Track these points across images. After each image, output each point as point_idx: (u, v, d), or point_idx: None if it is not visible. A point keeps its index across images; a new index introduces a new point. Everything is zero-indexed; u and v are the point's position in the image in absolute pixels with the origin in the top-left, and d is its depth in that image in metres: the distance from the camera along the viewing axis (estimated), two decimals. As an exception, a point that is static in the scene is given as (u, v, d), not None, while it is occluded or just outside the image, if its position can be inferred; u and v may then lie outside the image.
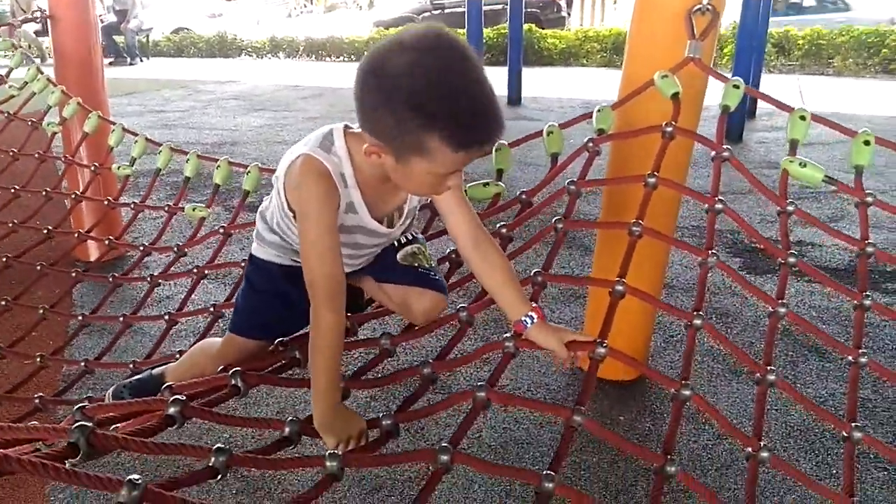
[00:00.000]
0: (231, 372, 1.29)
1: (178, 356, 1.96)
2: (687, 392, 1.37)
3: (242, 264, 2.19)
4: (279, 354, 1.48)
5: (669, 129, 1.72)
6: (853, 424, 1.45)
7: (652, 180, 1.65)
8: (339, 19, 21.57)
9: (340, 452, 1.14)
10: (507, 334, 1.41)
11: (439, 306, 1.50)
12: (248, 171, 2.36)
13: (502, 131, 1.16)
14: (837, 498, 1.39)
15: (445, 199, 1.36)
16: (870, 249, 1.69)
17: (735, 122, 6.20)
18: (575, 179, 1.73)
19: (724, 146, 1.73)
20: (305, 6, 25.33)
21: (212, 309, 2.04)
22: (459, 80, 1.09)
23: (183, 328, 2.82)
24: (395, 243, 1.50)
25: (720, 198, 1.67)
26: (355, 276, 1.53)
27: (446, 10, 15.40)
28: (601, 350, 1.36)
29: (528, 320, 1.38)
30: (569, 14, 16.30)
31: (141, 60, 13.82)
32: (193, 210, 2.43)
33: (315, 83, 10.59)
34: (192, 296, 2.30)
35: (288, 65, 13.68)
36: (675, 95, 1.78)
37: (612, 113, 1.84)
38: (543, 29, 13.45)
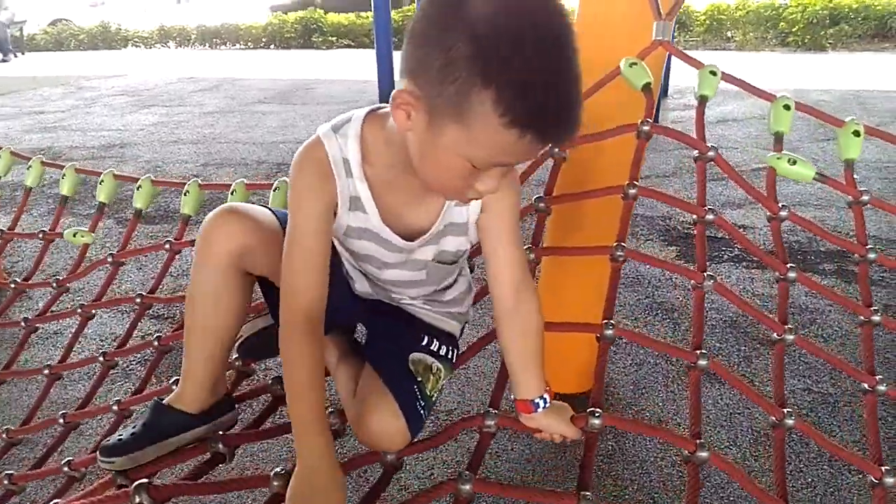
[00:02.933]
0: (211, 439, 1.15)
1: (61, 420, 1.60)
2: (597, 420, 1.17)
3: (138, 300, 1.84)
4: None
5: (646, 127, 1.48)
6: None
7: (632, 191, 1.42)
8: (232, 5, 20.67)
9: None
10: (489, 410, 1.15)
11: (397, 440, 1.11)
12: (139, 186, 1.99)
13: (575, 130, 0.89)
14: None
15: (493, 231, 1.09)
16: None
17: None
18: (542, 195, 1.47)
19: (710, 145, 1.50)
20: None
21: (156, 343, 1.67)
22: (548, 45, 0.83)
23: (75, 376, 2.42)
24: (423, 339, 1.20)
25: (711, 207, 1.45)
26: (354, 311, 1.24)
27: (347, -7, 14.99)
28: (595, 421, 1.13)
29: (542, 403, 1.16)
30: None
31: (15, 56, 12.97)
32: (74, 236, 2.04)
33: (211, 74, 9.99)
34: (80, 338, 1.92)
35: (180, 55, 12.91)
36: (647, 86, 1.55)
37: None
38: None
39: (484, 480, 1.08)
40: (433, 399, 1.16)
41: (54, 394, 1.96)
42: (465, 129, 0.85)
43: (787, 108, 1.62)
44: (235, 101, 7.86)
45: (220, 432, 1.17)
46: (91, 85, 9.49)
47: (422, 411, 1.12)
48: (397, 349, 1.18)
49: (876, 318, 1.45)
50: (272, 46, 13.08)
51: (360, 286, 1.22)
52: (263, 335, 1.35)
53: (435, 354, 1.19)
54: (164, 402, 1.16)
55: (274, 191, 1.74)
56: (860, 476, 2.04)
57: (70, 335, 2.00)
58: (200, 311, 1.13)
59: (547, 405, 1.16)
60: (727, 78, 1.65)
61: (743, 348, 2.77)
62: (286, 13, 13.75)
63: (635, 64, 1.57)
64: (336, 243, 1.14)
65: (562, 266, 1.92)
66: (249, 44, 13.24)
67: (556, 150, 1.52)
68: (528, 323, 1.13)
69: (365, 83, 8.11)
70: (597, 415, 1.14)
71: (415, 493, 1.07)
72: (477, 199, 1.00)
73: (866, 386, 1.39)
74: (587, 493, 1.03)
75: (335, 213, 1.06)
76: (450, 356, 1.23)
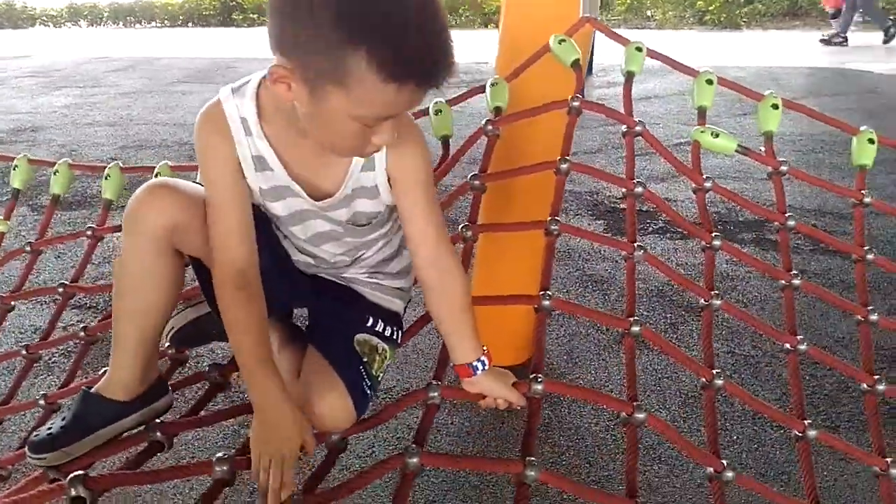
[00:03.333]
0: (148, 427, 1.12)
1: None
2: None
3: (60, 290, 1.77)
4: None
5: (576, 103, 1.50)
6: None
7: (564, 166, 1.44)
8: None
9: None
10: (432, 382, 1.16)
11: (343, 420, 1.11)
12: (56, 170, 1.90)
13: (452, 71, 0.90)
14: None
15: (406, 197, 1.09)
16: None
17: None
18: (477, 173, 1.47)
19: (637, 120, 1.54)
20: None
21: (82, 334, 1.59)
22: None
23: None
24: (368, 321, 1.18)
25: (639, 180, 1.48)
26: (296, 294, 1.22)
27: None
28: (537, 387, 1.15)
29: (480, 365, 1.16)
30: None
31: None
32: (-12, 224, 1.94)
33: (126, 54, 9.58)
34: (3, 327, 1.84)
35: (92, 34, 12.31)
36: (576, 63, 1.57)
37: (507, 86, 1.60)
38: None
39: (431, 453, 1.09)
40: (378, 379, 1.17)
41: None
42: (346, 91, 0.87)
43: (709, 82, 1.68)
44: (153, 82, 7.57)
45: (158, 420, 1.14)
46: (-4, 66, 8.98)
47: (368, 391, 1.13)
48: (342, 330, 1.17)
49: (796, 281, 1.53)
50: (190, 24, 12.62)
51: (298, 258, 1.20)
52: (197, 323, 1.31)
53: (380, 335, 1.19)
54: (92, 390, 1.11)
55: (155, 175, 1.70)
56: (782, 432, 2.16)
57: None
58: (130, 291, 1.09)
59: (486, 367, 1.17)
60: (652, 54, 1.69)
61: (669, 315, 2.87)
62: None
63: (564, 41, 1.59)
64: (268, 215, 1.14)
65: (497, 242, 1.95)
66: (166, 22, 12.73)
67: (490, 127, 1.53)
68: (451, 289, 1.14)
69: (289, 62, 7.93)
70: (539, 380, 1.17)
71: (358, 472, 1.07)
72: (376, 151, 1.01)
73: (788, 346, 1.46)
74: (532, 459, 1.05)
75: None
76: (394, 337, 1.23)
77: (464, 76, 7.23)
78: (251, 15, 12.35)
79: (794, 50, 8.66)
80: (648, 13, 11.22)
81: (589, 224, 3.80)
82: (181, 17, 12.73)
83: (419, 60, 0.86)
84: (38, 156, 4.93)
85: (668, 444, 2.11)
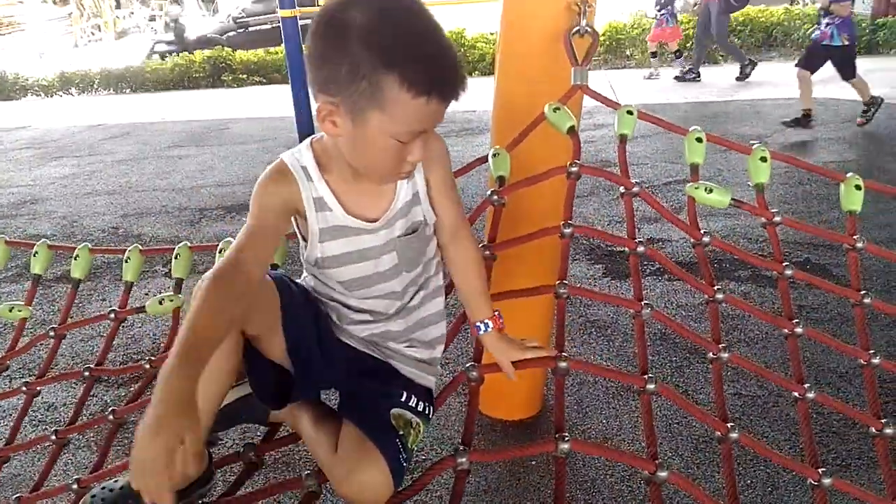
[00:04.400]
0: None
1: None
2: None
3: (86, 374, 1.81)
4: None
5: (574, 168, 1.58)
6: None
7: (568, 230, 1.51)
8: (132, 46, 20.17)
9: None
10: (460, 448, 1.22)
11: (382, 494, 1.14)
12: (77, 256, 1.96)
13: (465, 84, 1.07)
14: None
15: (432, 174, 1.26)
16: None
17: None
18: (486, 243, 1.55)
19: (634, 181, 1.62)
20: (93, 34, 23.44)
21: (111, 417, 1.64)
22: (423, 26, 1.04)
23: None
24: (403, 395, 1.25)
25: (640, 240, 1.55)
26: (331, 375, 1.27)
27: (250, 28, 14.84)
28: (564, 446, 1.20)
29: (483, 326, 1.37)
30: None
31: None
32: (10, 311, 1.99)
33: (119, 120, 9.70)
34: (26, 417, 1.87)
35: (84, 102, 12.45)
36: (572, 129, 1.65)
37: (508, 156, 1.67)
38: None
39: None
40: (413, 452, 1.22)
41: (2, 476, 1.89)
42: (383, 112, 1.03)
43: (699, 140, 1.76)
44: (149, 147, 7.67)
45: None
46: (-9, 139, 9.08)
47: (404, 464, 1.17)
48: (379, 404, 1.22)
49: (799, 329, 1.59)
50: (180, 88, 12.81)
51: (351, 325, 1.28)
52: (224, 409, 1.35)
53: (413, 410, 1.25)
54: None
55: (219, 252, 1.76)
56: (794, 474, 2.19)
57: (14, 414, 1.94)
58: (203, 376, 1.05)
59: (489, 330, 1.36)
60: (643, 116, 1.77)
61: (674, 359, 2.92)
62: (192, 52, 13.53)
63: (559, 109, 1.68)
64: (324, 296, 1.27)
65: (508, 305, 2.01)
66: (158, 86, 12.91)
67: (495, 197, 1.60)
68: (465, 256, 1.33)
69: (281, 119, 8.04)
70: (566, 439, 1.21)
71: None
72: (411, 170, 1.17)
73: (797, 394, 1.51)
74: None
75: (307, 242, 1.21)
76: (427, 412, 1.28)
77: (451, 125, 7.37)
78: (240, 75, 12.55)
79: (773, 81, 8.83)
80: (627, 52, 11.46)
81: (588, 268, 3.87)
82: (171, 82, 12.91)
83: (441, 76, 1.04)
84: (40, 228, 5.05)
85: (685, 494, 2.15)
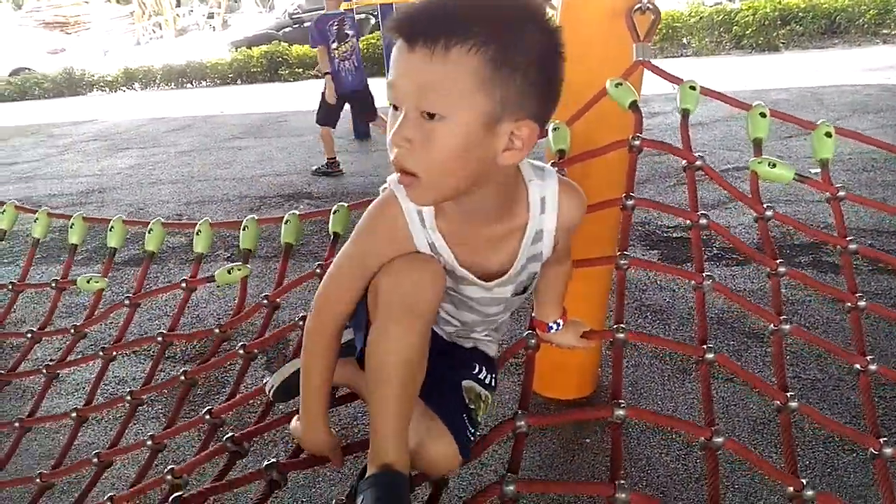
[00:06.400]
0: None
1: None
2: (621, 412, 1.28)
3: (159, 339, 1.90)
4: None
5: (637, 142, 1.59)
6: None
7: (630, 203, 1.53)
8: (192, 43, 20.69)
9: None
10: (519, 412, 1.26)
11: (450, 466, 1.15)
12: (151, 230, 2.06)
13: (440, 27, 0.87)
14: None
15: (564, 240, 1.17)
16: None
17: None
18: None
19: (697, 154, 1.62)
20: (154, 31, 24.12)
21: (182, 378, 1.74)
22: None
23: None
24: (475, 368, 1.25)
25: (703, 212, 1.56)
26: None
27: (304, 24, 15.09)
28: (620, 412, 1.22)
29: (555, 326, 1.37)
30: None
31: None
32: (88, 282, 2.10)
33: (181, 113, 10.01)
34: (106, 379, 1.97)
35: (146, 96, 12.89)
36: (634, 104, 1.67)
37: (568, 130, 1.69)
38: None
39: (526, 480, 1.16)
40: (480, 423, 1.22)
41: (80, 438, 2.00)
42: None
43: (762, 115, 1.75)
44: (210, 139, 7.90)
45: None
46: (61, 132, 9.46)
47: (471, 437, 1.18)
48: (451, 377, 1.21)
49: (862, 303, 1.57)
50: (238, 82, 13.12)
51: (447, 327, 1.25)
52: (293, 378, 1.40)
53: (482, 383, 1.24)
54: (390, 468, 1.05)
55: (285, 223, 1.83)
56: (854, 455, 2.16)
57: (89, 382, 2.05)
58: (400, 379, 1.04)
59: (560, 328, 1.37)
60: (705, 91, 1.77)
61: (732, 343, 2.89)
62: (250, 47, 13.83)
63: (620, 84, 1.69)
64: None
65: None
66: (217, 80, 13.25)
67: (556, 168, 1.63)
68: (559, 271, 1.26)
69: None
70: (622, 405, 1.24)
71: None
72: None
73: (859, 367, 1.50)
74: (622, 482, 1.12)
75: None
76: (493, 384, 1.27)
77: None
78: (297, 69, 12.77)
79: (835, 69, 8.62)
80: (685, 41, 11.27)
81: (644, 254, 3.85)
82: (230, 76, 13.23)
83: (409, 13, 0.89)
84: (107, 216, 5.21)
85: (742, 473, 2.14)
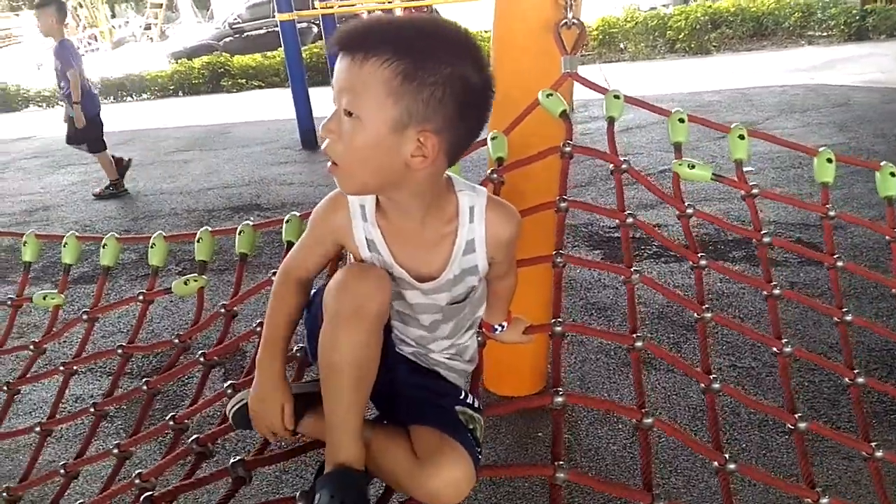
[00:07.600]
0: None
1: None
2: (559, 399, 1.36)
3: (119, 352, 1.95)
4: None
5: (567, 148, 1.72)
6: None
7: (563, 205, 1.65)
8: (129, 55, 20.31)
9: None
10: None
11: (465, 489, 1.12)
12: (105, 245, 2.10)
13: (370, 40, 1.03)
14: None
15: (498, 255, 1.24)
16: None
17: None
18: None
19: (622, 158, 1.75)
20: (90, 44, 23.59)
21: (145, 388, 1.79)
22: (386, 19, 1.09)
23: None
24: (461, 393, 1.28)
25: (629, 212, 1.69)
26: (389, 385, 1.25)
27: (245, 34, 14.99)
28: (559, 399, 1.33)
29: (499, 328, 1.47)
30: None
31: None
32: (44, 299, 2.13)
33: (121, 127, 9.82)
34: (64, 397, 2.00)
35: (85, 110, 12.58)
36: (563, 113, 1.79)
37: (506, 139, 1.81)
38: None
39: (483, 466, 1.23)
40: (482, 443, 1.25)
41: (43, 457, 2.02)
42: None
43: (681, 121, 1.90)
44: (153, 153, 7.81)
45: None
46: (-1, 149, 9.23)
47: (479, 458, 1.20)
48: (445, 403, 1.24)
49: (777, 291, 1.72)
50: (180, 94, 12.96)
51: (406, 348, 1.30)
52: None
53: (472, 407, 1.27)
54: (342, 466, 1.11)
55: (240, 234, 1.90)
56: (787, 437, 2.32)
57: (47, 401, 2.07)
58: (350, 377, 1.10)
59: (503, 330, 1.47)
60: (629, 100, 1.91)
61: (671, 335, 3.05)
62: (190, 58, 13.67)
63: (551, 95, 1.81)
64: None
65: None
66: (157, 93, 13.06)
67: (495, 176, 1.74)
68: (505, 285, 1.37)
69: (283, 122, 8.18)
70: (560, 393, 1.34)
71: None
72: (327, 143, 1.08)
73: (775, 349, 1.65)
74: (561, 462, 1.23)
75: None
76: (480, 406, 1.31)
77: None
78: (239, 80, 12.69)
79: (764, 70, 9.00)
80: (621, 45, 11.61)
81: (587, 254, 4.01)
82: (171, 87, 13.05)
83: (347, 29, 1.04)
84: (52, 233, 5.15)
85: (684, 458, 2.29)
